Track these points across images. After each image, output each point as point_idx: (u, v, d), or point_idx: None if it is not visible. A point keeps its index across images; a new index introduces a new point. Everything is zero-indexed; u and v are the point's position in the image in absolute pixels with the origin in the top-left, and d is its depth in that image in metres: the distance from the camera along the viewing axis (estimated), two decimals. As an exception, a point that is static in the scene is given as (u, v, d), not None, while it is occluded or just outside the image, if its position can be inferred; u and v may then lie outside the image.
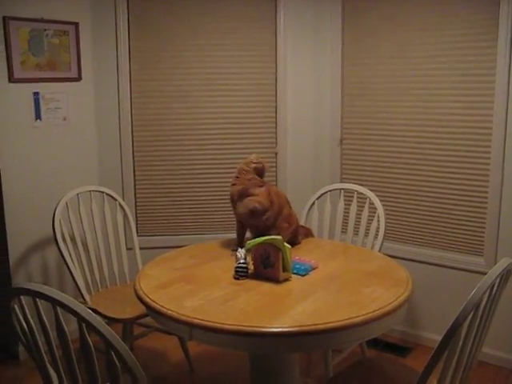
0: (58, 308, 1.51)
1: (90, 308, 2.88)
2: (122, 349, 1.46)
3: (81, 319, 1.46)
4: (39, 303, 1.55)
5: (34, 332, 1.63)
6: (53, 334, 1.60)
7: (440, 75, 3.32)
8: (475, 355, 1.81)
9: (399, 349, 3.54)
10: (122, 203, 3.27)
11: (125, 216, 3.29)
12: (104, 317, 2.86)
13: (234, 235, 3.63)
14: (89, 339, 1.51)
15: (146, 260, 2.65)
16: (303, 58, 3.86)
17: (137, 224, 3.83)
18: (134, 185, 3.81)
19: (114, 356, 1.49)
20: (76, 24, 3.47)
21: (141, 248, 3.33)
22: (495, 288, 1.72)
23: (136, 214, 3.84)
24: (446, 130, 3.34)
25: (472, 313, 1.61)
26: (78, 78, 3.55)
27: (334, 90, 3.79)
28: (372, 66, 3.61)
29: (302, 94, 3.89)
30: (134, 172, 3.80)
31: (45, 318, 1.59)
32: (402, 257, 3.45)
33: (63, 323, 1.54)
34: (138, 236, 3.56)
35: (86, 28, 3.54)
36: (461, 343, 1.66)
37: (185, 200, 3.88)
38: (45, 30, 3.31)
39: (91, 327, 1.45)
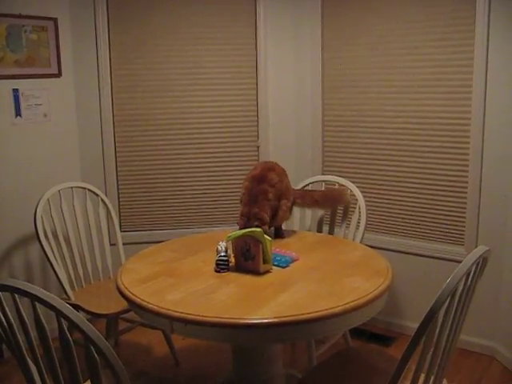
0: (38, 304, 1.51)
1: (73, 304, 2.92)
2: (101, 343, 1.47)
3: (59, 314, 1.46)
4: (18, 299, 1.55)
5: (14, 329, 1.63)
6: (33, 332, 1.60)
7: (420, 66, 3.34)
8: (453, 342, 1.83)
9: (383, 338, 3.57)
10: (105, 199, 3.27)
11: (107, 212, 3.28)
12: (88, 312, 2.87)
13: (217, 229, 3.64)
14: (68, 334, 1.51)
15: (129, 255, 2.65)
16: (283, 50, 3.86)
17: (120, 219, 3.83)
18: (117, 180, 3.81)
19: (94, 351, 1.50)
20: (55, 19, 3.45)
21: (124, 243, 3.33)
22: (471, 275, 1.74)
23: (119, 209, 3.84)
24: (427, 121, 3.37)
25: (448, 300, 1.62)
26: (58, 74, 3.53)
27: (314, 83, 3.81)
28: (352, 57, 3.62)
29: (283, 87, 3.90)
30: (117, 167, 3.79)
31: (24, 315, 1.58)
32: (383, 247, 3.48)
33: (42, 319, 1.54)
34: (121, 231, 3.58)
35: (64, 23, 3.52)
36: (437, 330, 1.68)
37: (168, 195, 3.89)
38: (23, 25, 3.29)
39: (69, 321, 1.45)
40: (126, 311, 2.80)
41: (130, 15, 3.65)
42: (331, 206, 3.09)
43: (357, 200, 3.09)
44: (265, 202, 2.68)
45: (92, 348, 1.49)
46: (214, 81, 3.80)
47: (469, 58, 3.14)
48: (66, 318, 1.45)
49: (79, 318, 1.45)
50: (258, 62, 3.82)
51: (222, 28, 3.75)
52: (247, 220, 2.62)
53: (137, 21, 3.66)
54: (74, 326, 1.45)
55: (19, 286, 1.49)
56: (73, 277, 3.08)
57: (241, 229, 2.50)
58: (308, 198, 2.96)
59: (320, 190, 3.17)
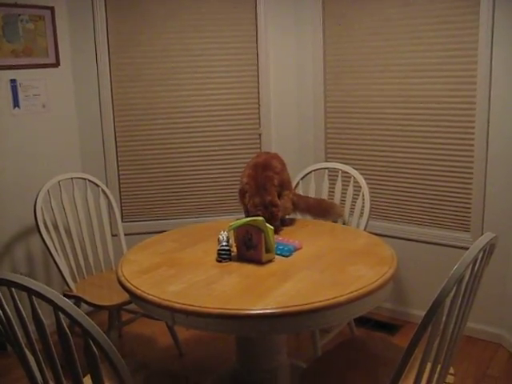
0: (36, 299, 1.48)
1: (75, 296, 2.90)
2: (98, 335, 1.44)
3: (56, 307, 1.42)
4: (15, 293, 1.52)
5: (12, 322, 1.60)
6: (31, 327, 1.57)
7: (423, 50, 3.28)
8: (460, 330, 1.80)
9: (388, 327, 3.55)
10: (106, 189, 3.24)
11: (109, 202, 3.25)
12: (89, 304, 2.86)
13: (219, 218, 3.61)
14: (65, 327, 1.48)
15: (131, 246, 2.62)
16: (284, 36, 3.81)
17: (121, 210, 3.80)
18: (118, 170, 3.77)
19: (92, 344, 1.47)
20: (51, 8, 3.40)
21: (126, 234, 3.30)
22: (478, 262, 1.70)
23: (120, 199, 3.80)
24: (430, 106, 3.32)
25: (455, 288, 1.59)
26: (56, 64, 3.48)
27: (316, 69, 3.75)
28: (354, 43, 3.56)
29: (285, 74, 3.85)
30: (117, 157, 3.76)
31: (21, 308, 1.55)
32: (388, 235, 3.44)
33: (40, 313, 1.51)
34: (122, 222, 3.55)
35: (62, 12, 3.47)
36: (444, 318, 1.64)
37: (170, 184, 3.85)
38: (19, 15, 3.24)
39: (66, 315, 1.42)
40: (128, 302, 2.77)
41: (128, 2, 3.60)
42: (323, 216, 2.96)
43: (360, 187, 3.05)
44: (273, 188, 2.64)
45: (90, 341, 1.46)
46: (215, 68, 3.75)
47: (473, 41, 3.08)
48: (63, 310, 1.42)
49: (76, 311, 1.42)
50: (258, 49, 3.76)
51: (222, 15, 3.69)
52: (264, 209, 2.58)
53: (135, 8, 3.61)
54: (71, 319, 1.41)
55: (15, 280, 1.46)
56: (74, 268, 3.06)
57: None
58: (302, 202, 2.91)
59: (315, 198, 3.10)
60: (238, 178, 3.84)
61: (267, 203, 2.58)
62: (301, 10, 3.75)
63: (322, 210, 2.94)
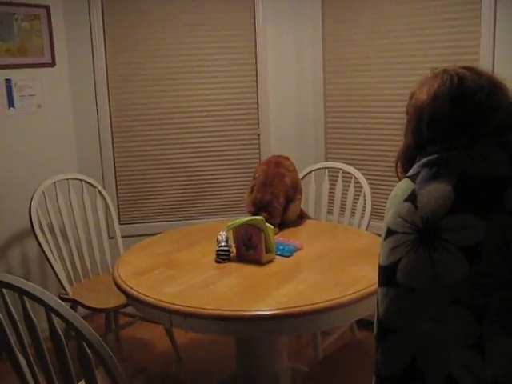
0: (28, 300, 1.42)
1: (71, 299, 2.84)
2: (92, 338, 1.38)
3: (48, 308, 1.37)
4: (6, 294, 1.47)
5: (3, 324, 1.54)
6: (24, 332, 1.52)
7: (424, 48, 3.23)
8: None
9: (390, 329, 3.49)
10: (102, 191, 3.19)
11: (105, 204, 3.20)
12: (86, 307, 2.80)
13: (217, 219, 3.55)
14: (58, 329, 1.42)
15: (128, 248, 2.57)
16: (283, 36, 3.76)
17: (119, 212, 3.74)
18: (115, 171, 3.72)
19: (86, 347, 1.41)
20: (47, 7, 3.34)
21: (123, 236, 3.24)
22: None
23: (117, 201, 3.75)
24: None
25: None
26: (52, 64, 3.43)
27: (315, 68, 3.71)
28: (354, 41, 3.52)
29: (283, 74, 3.80)
30: (114, 158, 3.70)
31: (13, 310, 1.50)
32: (390, 235, 3.38)
33: (31, 313, 1.45)
34: (120, 224, 3.50)
35: (57, 11, 3.42)
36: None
37: (167, 185, 3.80)
38: (14, 14, 3.19)
39: (59, 315, 1.36)
40: (126, 305, 2.73)
41: (124, 2, 3.55)
42: None
43: (362, 187, 3.00)
44: (280, 187, 2.57)
45: (84, 343, 1.40)
46: (213, 68, 3.70)
47: (475, 38, 3.03)
48: (55, 311, 1.36)
49: (68, 311, 1.37)
50: (257, 48, 3.71)
51: (219, 14, 3.64)
52: (257, 209, 2.52)
53: (132, 8, 3.56)
54: (63, 320, 1.36)
55: (5, 280, 1.41)
56: (71, 271, 3.01)
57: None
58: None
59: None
60: (237, 179, 3.83)
61: (263, 203, 2.52)
62: (300, 9, 3.71)
63: None
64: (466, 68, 1.35)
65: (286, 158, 2.75)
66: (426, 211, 1.22)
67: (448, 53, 3.15)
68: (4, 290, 1.45)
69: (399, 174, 1.43)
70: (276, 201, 2.54)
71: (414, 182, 1.28)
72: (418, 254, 1.20)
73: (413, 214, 1.24)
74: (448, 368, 1.17)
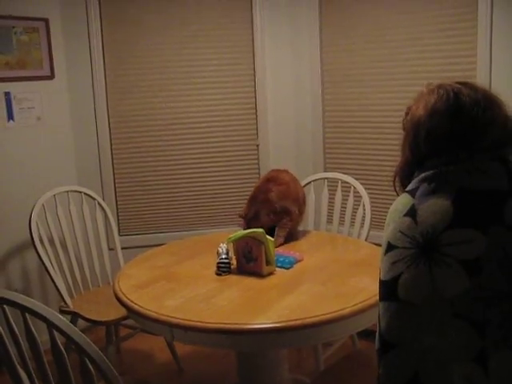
0: (28, 315, 1.42)
1: (72, 312, 2.84)
2: (94, 354, 1.38)
3: (49, 324, 1.37)
4: (8, 310, 1.47)
5: (4, 339, 1.54)
6: (25, 345, 1.52)
7: (422, 58, 3.25)
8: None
9: (391, 339, 3.48)
10: (102, 202, 3.19)
11: (105, 215, 3.20)
12: (87, 320, 2.80)
13: (217, 230, 3.54)
14: (59, 344, 1.42)
15: (128, 260, 2.57)
16: (281, 47, 3.77)
17: (118, 223, 3.74)
18: (114, 183, 3.72)
19: (88, 362, 1.41)
20: (46, 20, 3.36)
21: (123, 247, 3.24)
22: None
23: (117, 212, 3.75)
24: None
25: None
26: (51, 76, 3.44)
27: (313, 78, 3.72)
28: (351, 51, 3.53)
29: (282, 84, 3.81)
30: (114, 170, 3.70)
31: (14, 326, 1.50)
32: (390, 245, 3.38)
33: (33, 329, 1.45)
34: (120, 235, 3.50)
35: (56, 24, 3.43)
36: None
37: (167, 196, 3.80)
38: (13, 27, 3.20)
39: (60, 332, 1.36)
40: (126, 318, 2.71)
41: (123, 14, 3.56)
42: None
43: (361, 197, 3.00)
44: (265, 202, 2.57)
45: (86, 359, 1.40)
46: (211, 79, 3.71)
47: (472, 48, 3.05)
48: (57, 328, 1.36)
49: (70, 327, 1.37)
50: (255, 59, 3.73)
51: (217, 25, 3.66)
52: (245, 225, 2.55)
53: (130, 20, 3.57)
54: (65, 336, 1.36)
55: (5, 296, 1.40)
56: (71, 283, 3.00)
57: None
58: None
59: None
60: (236, 190, 3.83)
61: (249, 218, 2.54)
62: (297, 19, 3.72)
63: None
64: (460, 83, 1.35)
65: (284, 171, 2.74)
66: (426, 226, 1.22)
67: (445, 62, 3.16)
68: (5, 306, 1.45)
69: (397, 189, 1.44)
70: (244, 209, 2.59)
71: (413, 196, 1.28)
72: (419, 269, 1.21)
73: (413, 228, 1.24)
74: (450, 382, 1.17)
